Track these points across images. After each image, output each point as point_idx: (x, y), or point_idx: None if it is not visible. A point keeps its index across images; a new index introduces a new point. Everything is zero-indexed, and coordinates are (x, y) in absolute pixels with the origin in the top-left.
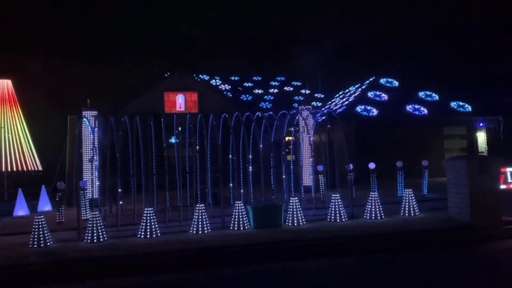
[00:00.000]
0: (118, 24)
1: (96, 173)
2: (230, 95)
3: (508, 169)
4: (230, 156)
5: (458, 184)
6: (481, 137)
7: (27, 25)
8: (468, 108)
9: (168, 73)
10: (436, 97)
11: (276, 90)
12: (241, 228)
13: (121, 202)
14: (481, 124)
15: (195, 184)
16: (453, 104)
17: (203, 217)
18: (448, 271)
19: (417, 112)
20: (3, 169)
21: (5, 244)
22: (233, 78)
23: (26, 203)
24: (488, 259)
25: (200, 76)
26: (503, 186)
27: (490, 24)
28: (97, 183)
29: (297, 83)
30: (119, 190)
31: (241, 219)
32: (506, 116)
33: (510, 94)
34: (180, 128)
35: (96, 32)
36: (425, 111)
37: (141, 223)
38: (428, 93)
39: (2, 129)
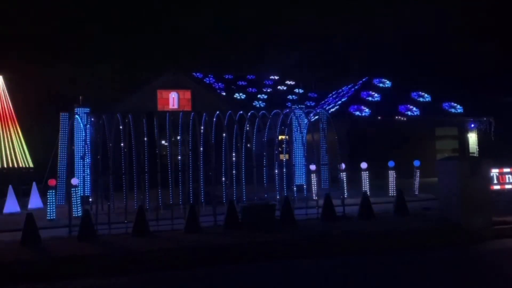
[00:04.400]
0: (111, 22)
1: (88, 171)
2: (224, 94)
3: (505, 170)
4: (223, 160)
5: (449, 185)
6: (473, 138)
7: (19, 21)
8: (460, 109)
9: (161, 71)
10: (428, 97)
11: (269, 89)
12: (233, 227)
13: (112, 198)
14: (473, 125)
15: (188, 182)
16: (445, 105)
17: (195, 215)
18: (438, 272)
19: (409, 113)
20: None
21: None
22: (226, 76)
23: (17, 200)
24: (479, 259)
25: (194, 74)
26: (497, 187)
27: (483, 25)
28: (89, 180)
29: (290, 82)
30: (111, 186)
31: (233, 218)
32: (497, 118)
33: (501, 95)
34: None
35: (89, 29)
36: (417, 111)
37: (133, 221)
38: (420, 93)
39: None
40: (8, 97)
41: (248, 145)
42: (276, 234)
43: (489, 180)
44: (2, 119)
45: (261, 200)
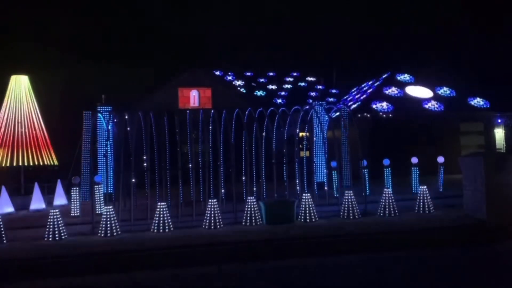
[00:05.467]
0: (133, 20)
1: (111, 168)
2: (244, 91)
3: None
4: (243, 157)
5: (474, 181)
6: (499, 133)
7: (44, 21)
8: (486, 104)
9: (182, 69)
10: (453, 92)
11: (290, 86)
12: (253, 224)
13: (134, 195)
14: (499, 121)
15: (208, 179)
16: (471, 100)
17: (216, 212)
18: (463, 270)
19: (433, 108)
20: (20, 164)
21: (21, 237)
22: (247, 73)
23: (42, 197)
24: (504, 257)
25: (214, 72)
26: None
27: (510, 18)
28: (112, 177)
29: (311, 78)
30: (133, 181)
31: (253, 215)
32: None
33: None
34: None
35: (111, 28)
36: (441, 106)
37: (154, 218)
38: (445, 88)
39: (19, 124)
40: (34, 96)
41: (274, 142)
42: (296, 231)
43: None
44: (28, 117)
45: (281, 197)
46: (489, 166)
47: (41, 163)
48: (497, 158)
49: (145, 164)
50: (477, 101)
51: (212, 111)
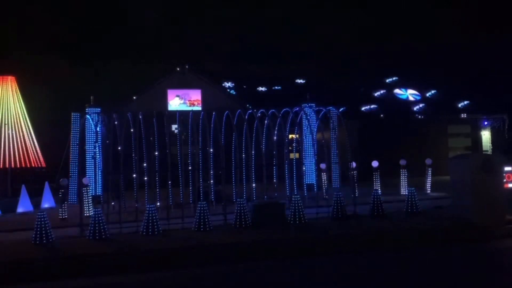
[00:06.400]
0: (122, 21)
1: (99, 170)
2: (234, 93)
3: None
4: (233, 158)
5: (462, 183)
6: (486, 135)
7: (32, 22)
8: (473, 106)
9: (172, 70)
10: (440, 95)
11: (280, 88)
12: (243, 226)
13: (123, 196)
14: (486, 123)
15: (198, 181)
16: (458, 103)
17: (205, 214)
18: (451, 269)
19: (421, 111)
20: (7, 166)
21: (8, 240)
22: (237, 75)
23: (29, 199)
24: (491, 257)
25: (204, 73)
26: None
27: (496, 22)
28: (100, 179)
29: (301, 81)
30: (121, 186)
31: (243, 217)
32: (511, 115)
33: None
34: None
35: (100, 30)
36: (429, 109)
37: (143, 220)
38: (433, 91)
39: (6, 125)
40: (21, 97)
41: (262, 146)
42: (285, 233)
43: (502, 177)
44: (15, 119)
45: (271, 199)
46: (476, 167)
47: (29, 165)
48: (484, 160)
49: (133, 165)
50: (464, 104)
51: (202, 112)
